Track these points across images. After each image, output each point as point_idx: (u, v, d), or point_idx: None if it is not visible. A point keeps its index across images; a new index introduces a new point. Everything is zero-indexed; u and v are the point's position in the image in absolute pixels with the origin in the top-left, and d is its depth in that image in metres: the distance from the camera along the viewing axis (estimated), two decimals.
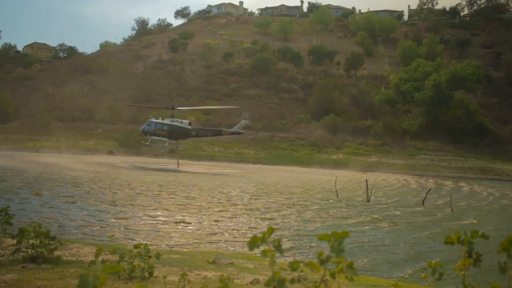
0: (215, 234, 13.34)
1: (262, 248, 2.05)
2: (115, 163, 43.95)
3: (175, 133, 45.17)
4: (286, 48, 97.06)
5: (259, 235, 2.07)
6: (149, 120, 46.81)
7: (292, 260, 2.22)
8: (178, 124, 45.39)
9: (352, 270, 1.98)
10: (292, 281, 1.97)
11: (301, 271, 2.05)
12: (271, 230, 2.05)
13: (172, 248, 10.09)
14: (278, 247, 1.98)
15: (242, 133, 48.15)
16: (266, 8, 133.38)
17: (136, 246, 4.76)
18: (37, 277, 4.35)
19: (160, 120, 45.99)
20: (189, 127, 45.94)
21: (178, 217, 15.69)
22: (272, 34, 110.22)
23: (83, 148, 61.23)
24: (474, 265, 2.16)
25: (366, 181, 27.35)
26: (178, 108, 48.77)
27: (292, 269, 1.99)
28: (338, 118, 68.86)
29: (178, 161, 45.78)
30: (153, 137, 46.16)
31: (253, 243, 2.02)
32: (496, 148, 60.97)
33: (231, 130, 46.29)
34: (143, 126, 47.40)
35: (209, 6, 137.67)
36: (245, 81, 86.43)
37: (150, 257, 4.61)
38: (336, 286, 2.34)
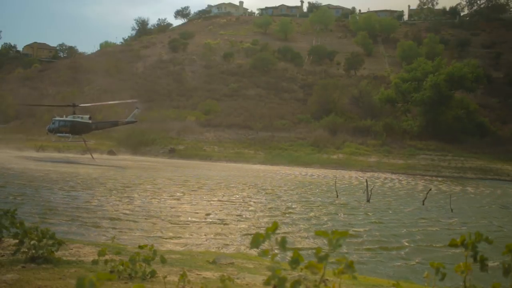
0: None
1: (264, 246, 2.04)
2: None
3: (77, 128, 48.81)
4: (286, 48, 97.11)
5: (262, 232, 2.05)
6: (53, 118, 49.92)
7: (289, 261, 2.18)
8: (79, 119, 48.98)
9: (352, 269, 1.97)
10: (293, 283, 1.96)
11: (301, 269, 2.05)
12: (275, 226, 2.03)
13: (172, 249, 10.09)
14: (283, 244, 1.95)
15: (136, 121, 51.45)
16: (266, 8, 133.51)
17: (141, 247, 4.77)
18: (37, 277, 4.34)
19: (63, 118, 49.27)
20: (89, 121, 49.69)
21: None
22: (272, 34, 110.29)
23: (83, 148, 61.16)
24: (481, 270, 2.16)
25: (366, 181, 27.36)
26: (80, 105, 51.21)
27: (293, 268, 1.97)
28: (338, 118, 68.88)
29: (91, 154, 49.59)
30: (58, 134, 49.62)
31: (256, 241, 2.00)
32: (496, 148, 60.96)
33: (126, 120, 50.27)
34: (49, 125, 50.30)
35: (209, 6, 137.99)
36: (245, 81, 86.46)
37: (153, 259, 4.60)
38: (336, 285, 2.34)
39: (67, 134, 49.45)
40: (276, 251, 2.09)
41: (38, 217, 13.54)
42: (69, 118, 49.34)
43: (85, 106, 51.54)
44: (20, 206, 15.19)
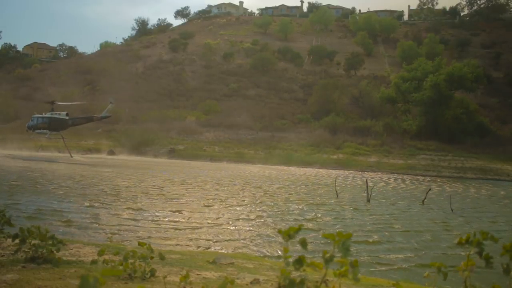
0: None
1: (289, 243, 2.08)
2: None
3: (55, 125, 50.17)
4: (286, 48, 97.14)
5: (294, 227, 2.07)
6: (33, 116, 51.56)
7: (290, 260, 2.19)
8: (57, 116, 50.36)
9: (356, 269, 1.97)
10: (298, 284, 1.96)
11: (304, 270, 2.05)
12: (299, 227, 2.06)
13: (173, 249, 10.08)
14: (304, 244, 1.99)
15: (110, 116, 53.31)
16: (266, 8, 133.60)
17: (140, 244, 4.77)
18: (37, 277, 4.34)
19: (42, 115, 50.96)
20: (67, 117, 50.87)
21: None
22: (272, 34, 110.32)
23: (84, 148, 61.33)
24: (486, 266, 2.15)
25: (366, 181, 27.36)
26: (58, 102, 52.96)
27: (296, 269, 1.99)
28: (338, 118, 68.88)
29: (70, 153, 50.77)
30: (37, 131, 50.98)
31: (288, 234, 2.03)
32: (496, 148, 60.93)
33: (101, 115, 51.90)
34: (29, 122, 51.84)
35: (209, 6, 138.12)
36: (245, 81, 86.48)
37: (152, 257, 4.60)
38: (337, 286, 2.34)
39: (45, 131, 50.67)
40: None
41: (34, 219, 13.54)
42: (47, 115, 50.76)
43: (63, 104, 53.32)
44: (11, 207, 15.20)
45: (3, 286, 3.99)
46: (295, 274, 2.06)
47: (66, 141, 52.83)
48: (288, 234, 2.06)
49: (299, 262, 1.98)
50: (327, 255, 1.92)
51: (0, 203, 15.71)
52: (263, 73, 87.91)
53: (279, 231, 2.11)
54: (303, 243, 2.05)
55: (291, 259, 2.08)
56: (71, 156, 49.68)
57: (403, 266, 11.02)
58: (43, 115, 51.16)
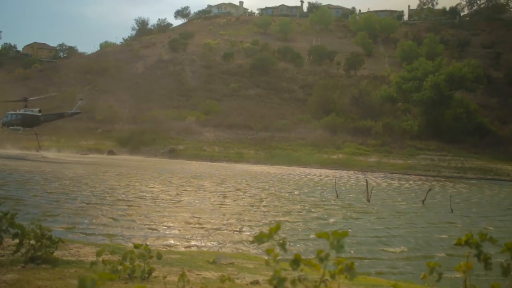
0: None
1: (266, 245, 2.06)
2: None
3: (27, 121, 51.69)
4: (286, 48, 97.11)
5: (266, 232, 2.07)
6: (7, 112, 52.99)
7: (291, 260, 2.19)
8: (30, 112, 51.84)
9: (352, 270, 1.97)
10: (293, 281, 1.96)
11: (301, 270, 2.05)
12: (278, 227, 2.05)
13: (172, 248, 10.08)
14: (283, 246, 1.99)
15: (80, 112, 54.39)
16: (266, 8, 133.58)
17: (136, 246, 4.76)
18: (37, 277, 4.35)
19: (15, 112, 52.47)
20: (39, 114, 52.33)
21: None
22: (272, 34, 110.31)
23: (84, 148, 61.34)
24: (485, 268, 2.15)
25: (366, 181, 27.36)
26: (30, 99, 54.15)
27: (293, 269, 1.98)
28: (338, 118, 68.88)
29: (40, 148, 52.11)
30: (10, 127, 52.45)
31: (259, 239, 2.03)
32: (496, 148, 60.98)
33: (71, 111, 53.12)
34: (3, 119, 53.36)
35: (209, 6, 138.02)
36: (245, 81, 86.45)
37: (151, 257, 4.61)
38: (336, 286, 2.34)
39: (18, 127, 51.89)
40: (278, 251, 2.10)
41: (35, 219, 13.54)
42: (21, 111, 52.08)
43: (36, 99, 54.82)
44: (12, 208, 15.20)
45: (3, 286, 3.99)
46: (293, 274, 2.06)
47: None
48: (259, 239, 2.05)
49: (296, 262, 1.97)
50: (322, 253, 1.91)
51: None
52: (263, 73, 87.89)
53: (253, 238, 2.11)
54: (283, 245, 2.04)
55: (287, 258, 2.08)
56: (39, 151, 51.09)
57: (403, 266, 11.02)
58: (17, 111, 52.40)
